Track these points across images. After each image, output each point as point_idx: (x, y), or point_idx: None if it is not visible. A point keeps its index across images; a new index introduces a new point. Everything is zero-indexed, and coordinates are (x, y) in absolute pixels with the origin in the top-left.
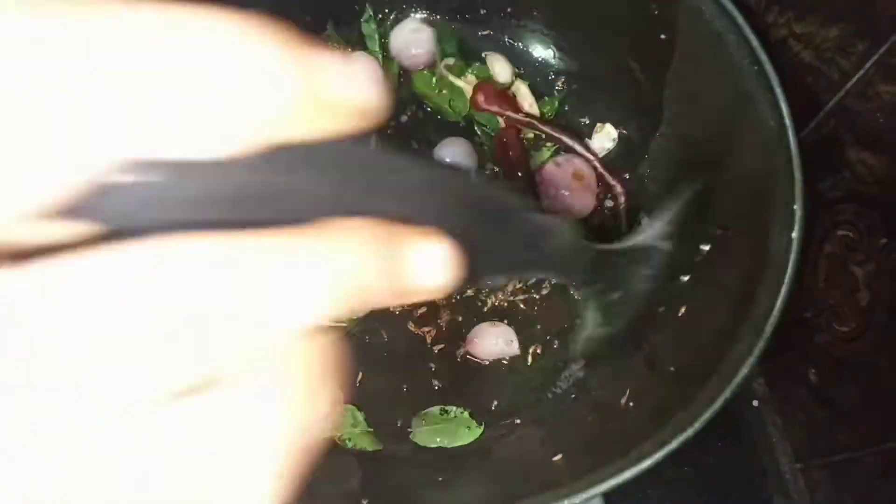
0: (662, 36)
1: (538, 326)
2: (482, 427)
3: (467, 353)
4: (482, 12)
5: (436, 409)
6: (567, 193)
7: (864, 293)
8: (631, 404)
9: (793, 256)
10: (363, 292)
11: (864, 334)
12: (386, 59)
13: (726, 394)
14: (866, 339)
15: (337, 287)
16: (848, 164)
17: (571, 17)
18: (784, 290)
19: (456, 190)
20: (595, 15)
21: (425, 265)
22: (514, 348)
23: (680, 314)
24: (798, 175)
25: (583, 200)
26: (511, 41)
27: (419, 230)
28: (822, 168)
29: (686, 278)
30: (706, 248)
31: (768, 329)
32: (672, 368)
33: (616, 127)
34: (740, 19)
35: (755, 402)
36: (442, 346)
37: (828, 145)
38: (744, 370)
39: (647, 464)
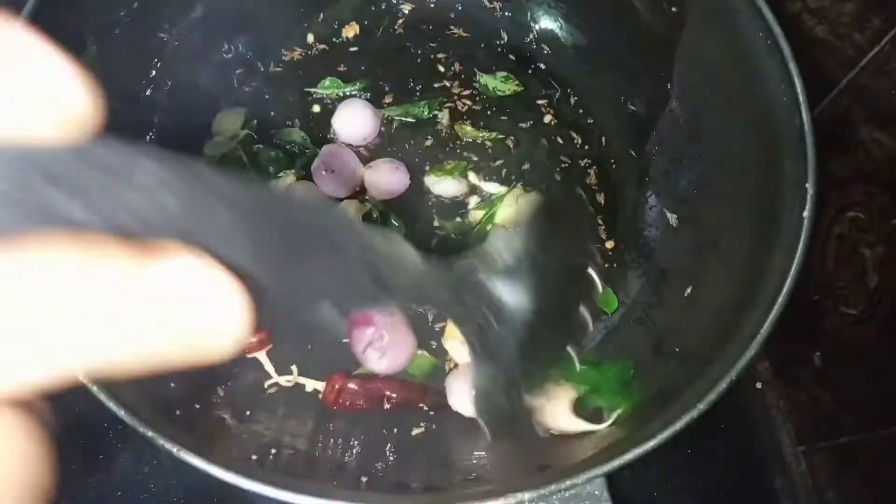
0: (673, 9)
1: None
2: None
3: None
4: None
5: None
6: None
7: (873, 276)
8: (635, 384)
9: (803, 237)
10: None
11: (871, 318)
12: None
13: (732, 375)
14: (873, 322)
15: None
16: (860, 143)
17: None
18: (794, 271)
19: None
20: None
21: (189, 286)
22: None
23: (686, 294)
24: (811, 154)
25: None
26: (519, 15)
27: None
28: (834, 147)
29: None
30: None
31: (776, 311)
32: (677, 349)
33: (625, 103)
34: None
35: (759, 385)
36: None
37: (840, 124)
38: (750, 352)
39: (650, 445)
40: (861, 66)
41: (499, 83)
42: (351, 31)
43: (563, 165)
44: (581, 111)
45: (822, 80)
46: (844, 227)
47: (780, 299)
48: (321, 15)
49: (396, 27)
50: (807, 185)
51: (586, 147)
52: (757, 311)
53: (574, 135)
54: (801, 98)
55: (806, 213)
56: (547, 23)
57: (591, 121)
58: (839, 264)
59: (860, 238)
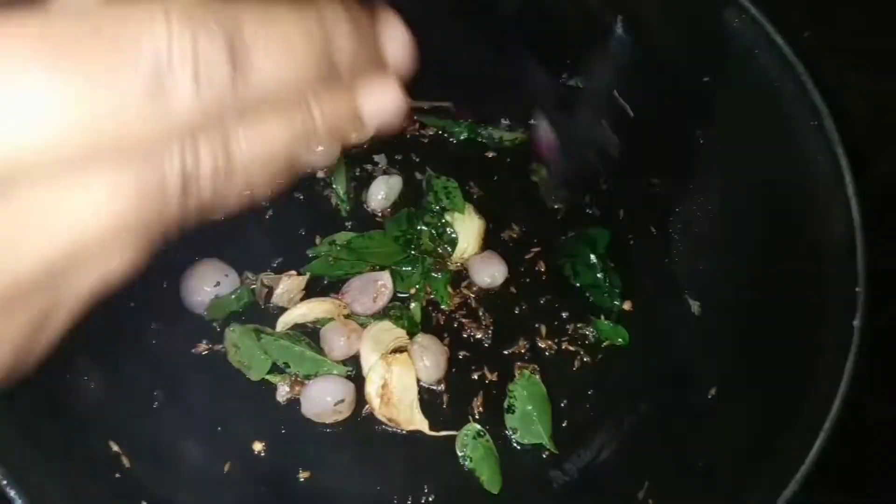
0: (705, 78)
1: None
2: None
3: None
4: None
5: None
6: None
7: None
8: (650, 501)
9: (853, 349)
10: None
11: None
12: None
13: None
14: None
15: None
16: None
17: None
18: (843, 388)
19: None
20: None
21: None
22: None
23: (710, 395)
24: (861, 254)
25: None
26: None
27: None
28: (872, 236)
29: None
30: None
31: (824, 433)
32: (700, 464)
33: (648, 176)
34: (800, 68)
35: None
36: None
37: (879, 210)
38: (792, 487)
39: None
40: None
41: (505, 133)
42: None
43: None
44: (601, 180)
45: (860, 161)
46: (884, 322)
47: (826, 424)
48: None
49: None
50: (857, 290)
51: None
52: (800, 432)
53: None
54: (850, 191)
55: (856, 322)
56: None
57: (606, 187)
58: (876, 360)
59: None
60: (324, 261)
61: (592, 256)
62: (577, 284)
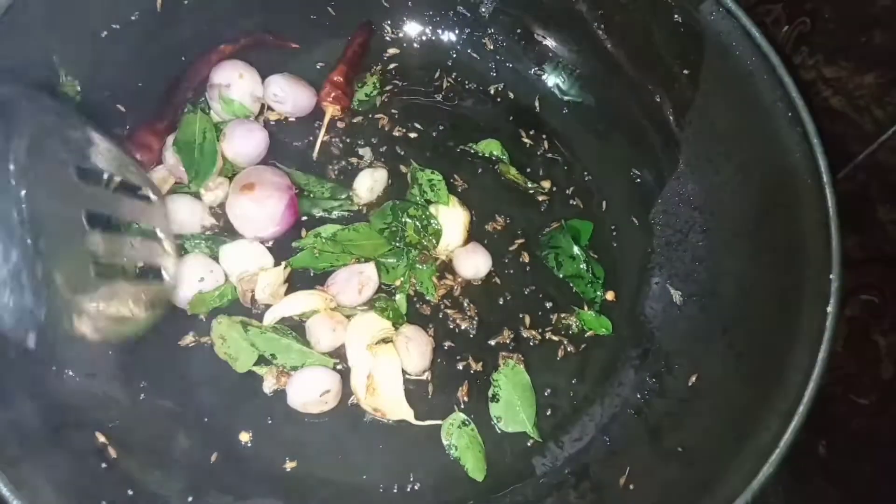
0: (685, 71)
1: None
2: None
3: None
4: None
5: None
6: None
7: (888, 365)
8: (631, 486)
9: (827, 335)
10: None
11: (884, 411)
12: None
13: (747, 496)
14: (887, 415)
15: None
16: (877, 223)
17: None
18: (816, 375)
19: None
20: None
21: None
22: None
23: (690, 382)
24: (836, 240)
25: None
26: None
27: None
28: (848, 225)
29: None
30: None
31: (797, 420)
32: (680, 448)
33: (629, 167)
34: (774, 58)
35: None
36: None
37: (855, 200)
38: (768, 468)
39: None
40: (880, 142)
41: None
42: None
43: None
44: (584, 172)
45: (836, 154)
46: (856, 309)
47: (801, 408)
48: None
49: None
50: (831, 276)
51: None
52: (774, 419)
53: (571, 195)
54: (825, 179)
55: (830, 308)
56: (552, 77)
57: (589, 178)
58: (850, 349)
59: (873, 324)
60: (308, 253)
61: (576, 248)
62: (561, 275)
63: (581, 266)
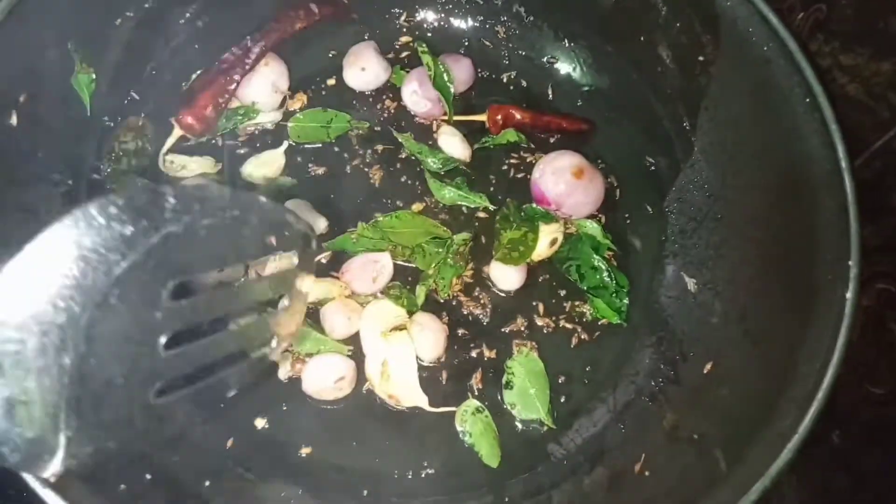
0: (700, 57)
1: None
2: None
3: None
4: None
5: None
6: None
7: None
8: (646, 473)
9: (846, 321)
10: None
11: None
12: None
13: (766, 482)
14: None
15: None
16: (892, 211)
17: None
18: (835, 361)
19: None
20: (629, 29)
21: None
22: None
23: (706, 370)
24: (855, 226)
25: None
26: (540, 55)
27: None
28: (863, 213)
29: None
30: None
31: (815, 408)
32: (695, 435)
33: (643, 154)
34: (792, 44)
35: None
36: None
37: (871, 188)
38: (785, 456)
39: None
40: None
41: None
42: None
43: None
44: (597, 159)
45: (852, 142)
46: (871, 298)
47: (819, 395)
48: None
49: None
50: (850, 263)
51: None
52: (792, 406)
53: None
54: (843, 165)
55: (849, 295)
56: (565, 64)
57: (603, 166)
58: (865, 338)
59: (889, 313)
60: (346, 237)
61: (595, 259)
62: (584, 287)
63: (604, 276)
